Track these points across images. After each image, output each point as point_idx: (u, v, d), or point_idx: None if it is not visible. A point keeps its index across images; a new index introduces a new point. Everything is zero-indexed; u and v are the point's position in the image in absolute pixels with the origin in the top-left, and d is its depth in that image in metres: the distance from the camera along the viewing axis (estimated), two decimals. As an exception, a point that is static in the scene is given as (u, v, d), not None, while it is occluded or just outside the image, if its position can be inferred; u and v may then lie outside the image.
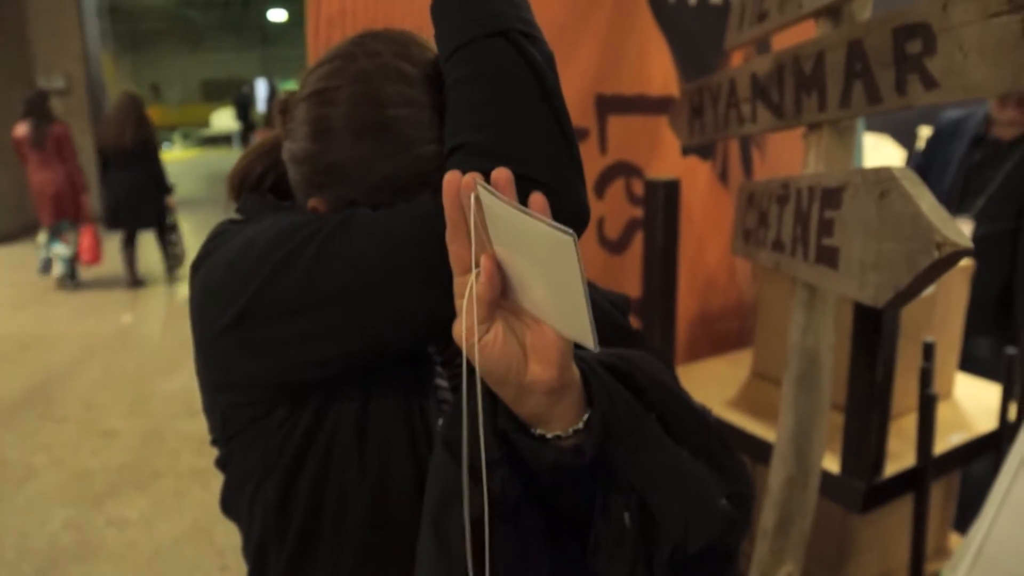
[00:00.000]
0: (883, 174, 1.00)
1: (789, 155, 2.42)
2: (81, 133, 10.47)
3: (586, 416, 0.68)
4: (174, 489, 3.44)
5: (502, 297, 0.64)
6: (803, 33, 1.38)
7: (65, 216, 7.03)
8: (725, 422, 1.79)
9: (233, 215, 0.92)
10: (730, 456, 0.79)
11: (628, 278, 2.11)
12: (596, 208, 2.09)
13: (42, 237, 7.19)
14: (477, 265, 0.62)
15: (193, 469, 3.58)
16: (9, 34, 9.80)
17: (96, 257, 7.21)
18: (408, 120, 0.81)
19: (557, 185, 0.74)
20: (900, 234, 0.95)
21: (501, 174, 0.61)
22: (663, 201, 1.89)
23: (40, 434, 4.05)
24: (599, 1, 2.03)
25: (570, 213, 0.75)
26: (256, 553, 0.91)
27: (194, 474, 3.54)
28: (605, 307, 0.95)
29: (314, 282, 0.76)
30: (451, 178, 0.61)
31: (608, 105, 2.07)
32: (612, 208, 2.10)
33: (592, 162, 2.08)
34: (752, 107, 1.55)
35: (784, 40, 1.52)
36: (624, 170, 2.11)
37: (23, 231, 9.77)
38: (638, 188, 2.08)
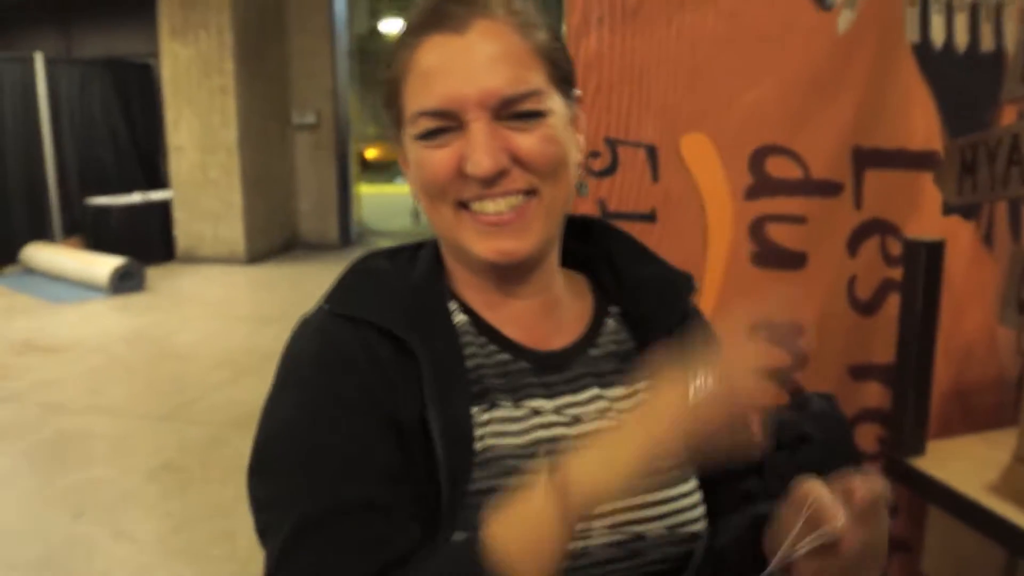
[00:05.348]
0: None
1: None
2: (327, 167, 11.30)
3: None
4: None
5: None
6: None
7: None
8: (984, 508, 1.63)
9: None
10: None
11: (876, 342, 1.98)
12: (848, 266, 1.98)
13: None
14: None
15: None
16: (274, 75, 10.82)
17: None
18: None
19: None
20: None
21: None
22: (925, 263, 1.76)
23: (275, 442, 4.30)
24: (860, 48, 1.93)
25: None
26: None
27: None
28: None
29: None
30: None
31: (866, 158, 1.96)
32: (865, 267, 1.98)
33: (845, 217, 1.97)
34: (1041, 167, 1.41)
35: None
36: (880, 228, 1.98)
37: (269, 252, 10.59)
38: (894, 247, 1.95)
